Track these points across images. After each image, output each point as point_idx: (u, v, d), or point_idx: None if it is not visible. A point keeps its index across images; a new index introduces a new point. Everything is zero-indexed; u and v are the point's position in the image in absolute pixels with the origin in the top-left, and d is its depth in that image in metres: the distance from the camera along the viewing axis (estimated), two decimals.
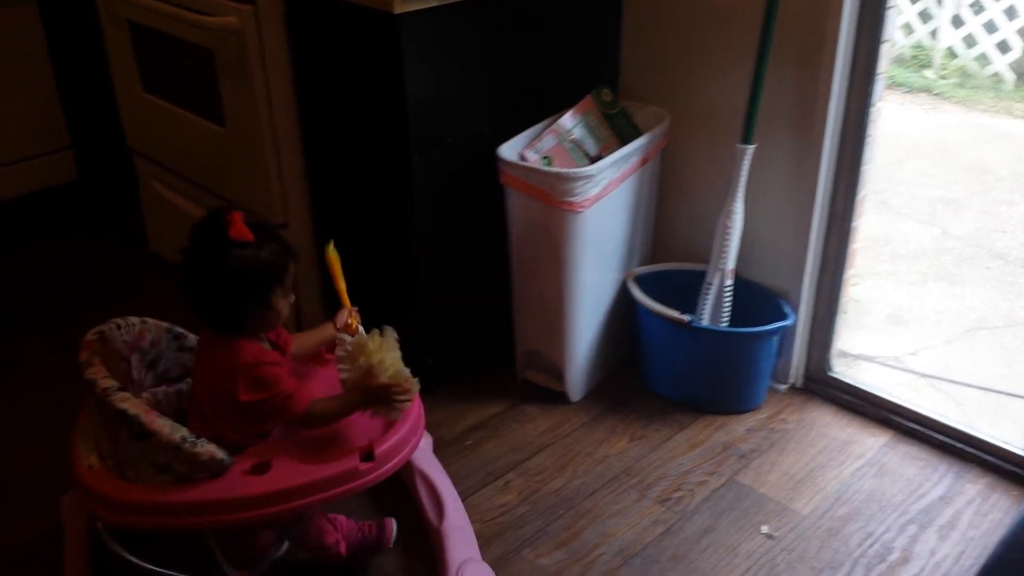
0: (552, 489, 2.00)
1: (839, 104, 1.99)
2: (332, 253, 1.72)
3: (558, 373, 2.22)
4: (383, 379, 1.55)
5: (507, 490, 2.00)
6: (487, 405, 2.24)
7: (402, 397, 1.56)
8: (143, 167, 2.73)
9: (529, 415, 2.21)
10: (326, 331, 1.73)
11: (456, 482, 1.99)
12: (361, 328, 1.70)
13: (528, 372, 2.29)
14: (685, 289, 2.20)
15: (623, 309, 2.27)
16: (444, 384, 2.27)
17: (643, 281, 2.22)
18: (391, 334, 1.60)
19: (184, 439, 1.50)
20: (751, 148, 2.02)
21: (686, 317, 2.09)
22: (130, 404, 1.49)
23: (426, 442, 1.99)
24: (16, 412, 2.26)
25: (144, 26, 2.43)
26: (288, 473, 1.53)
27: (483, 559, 1.79)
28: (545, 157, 2.03)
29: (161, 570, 1.63)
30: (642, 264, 2.31)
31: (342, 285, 1.73)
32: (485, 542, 1.86)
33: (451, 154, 2.04)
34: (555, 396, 2.25)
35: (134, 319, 1.67)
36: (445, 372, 2.27)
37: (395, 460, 1.59)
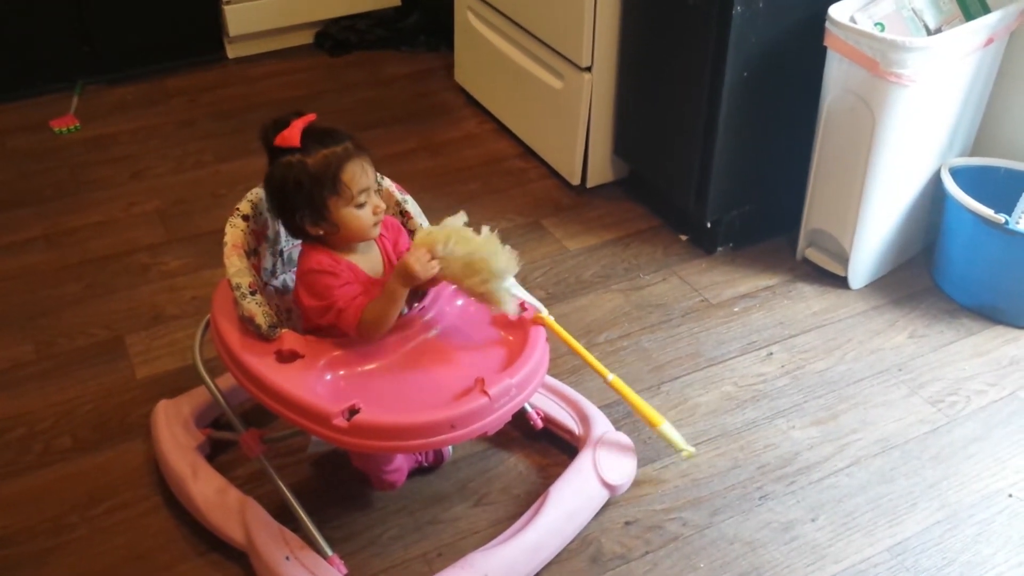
0: (816, 369, 1.96)
1: None
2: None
3: (843, 257, 2.14)
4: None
5: (769, 361, 1.98)
6: (761, 276, 2.21)
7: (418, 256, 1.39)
8: None
9: (803, 294, 2.16)
10: None
11: (717, 345, 2.00)
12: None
13: (809, 250, 2.22)
14: (1005, 188, 2.03)
15: (928, 202, 2.13)
16: (722, 245, 2.26)
17: (958, 174, 2.05)
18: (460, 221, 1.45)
19: (238, 286, 1.45)
20: None
21: (1002, 217, 1.92)
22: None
23: None
24: None
25: None
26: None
27: (735, 422, 1.81)
28: (878, 23, 1.90)
29: None
30: (961, 155, 2.14)
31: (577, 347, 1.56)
32: (738, 405, 1.87)
33: (776, 8, 1.96)
34: (834, 279, 2.18)
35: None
36: (725, 235, 2.25)
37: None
